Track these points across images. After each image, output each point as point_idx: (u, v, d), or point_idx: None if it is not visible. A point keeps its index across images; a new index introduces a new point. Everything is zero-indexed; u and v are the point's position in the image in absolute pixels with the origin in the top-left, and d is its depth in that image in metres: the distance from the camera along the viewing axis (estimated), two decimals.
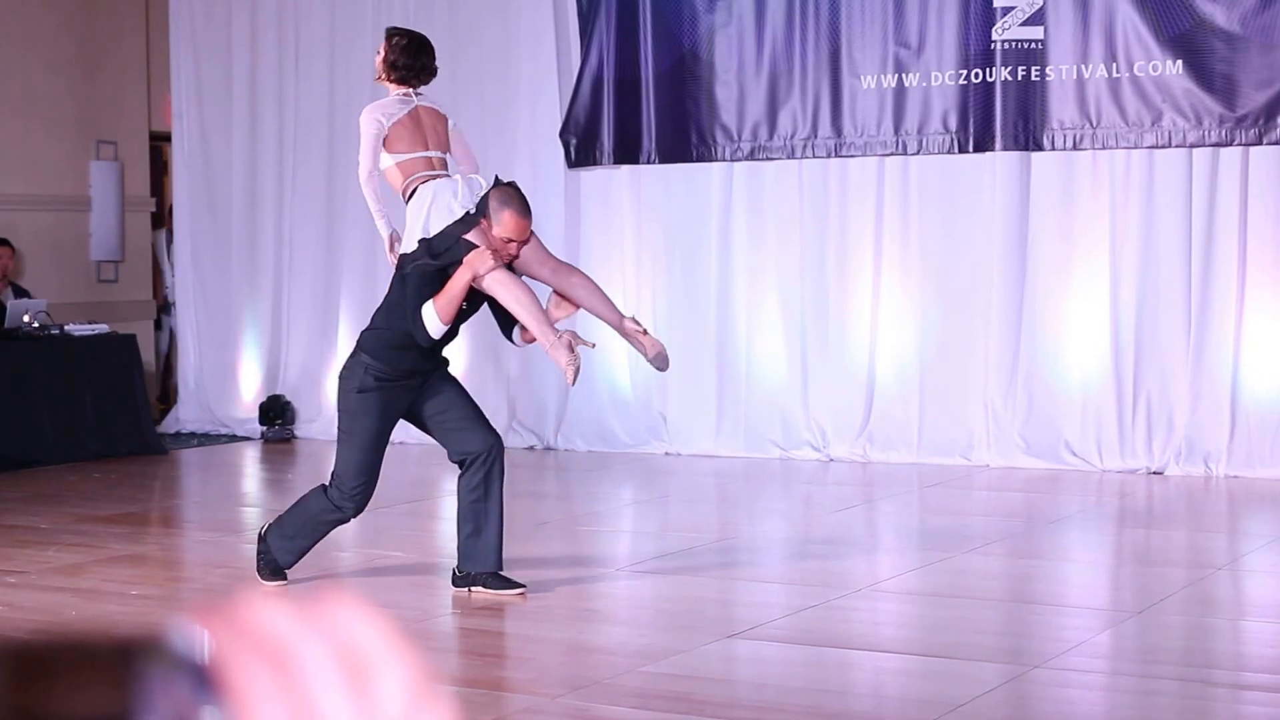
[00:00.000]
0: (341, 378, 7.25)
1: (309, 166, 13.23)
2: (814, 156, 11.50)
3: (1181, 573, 7.93)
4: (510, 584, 7.32)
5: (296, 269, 13.36)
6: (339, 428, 7.27)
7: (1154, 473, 10.75)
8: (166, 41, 13.78)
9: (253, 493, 11.84)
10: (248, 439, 13.30)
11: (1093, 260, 10.92)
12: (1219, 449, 10.62)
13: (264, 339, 13.53)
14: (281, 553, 7.41)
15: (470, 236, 6.99)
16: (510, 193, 7.09)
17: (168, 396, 14.34)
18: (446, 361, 7.35)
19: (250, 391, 13.54)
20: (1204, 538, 9.04)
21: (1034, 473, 10.86)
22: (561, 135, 11.91)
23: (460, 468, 7.30)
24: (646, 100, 11.80)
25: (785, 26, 11.48)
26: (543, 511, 9.98)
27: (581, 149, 11.93)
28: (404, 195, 7.29)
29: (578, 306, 7.30)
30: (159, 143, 14.50)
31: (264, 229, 13.48)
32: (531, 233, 7.17)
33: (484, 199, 7.07)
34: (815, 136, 11.46)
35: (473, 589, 7.32)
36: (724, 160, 11.71)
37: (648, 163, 11.88)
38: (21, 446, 11.56)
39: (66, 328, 12.19)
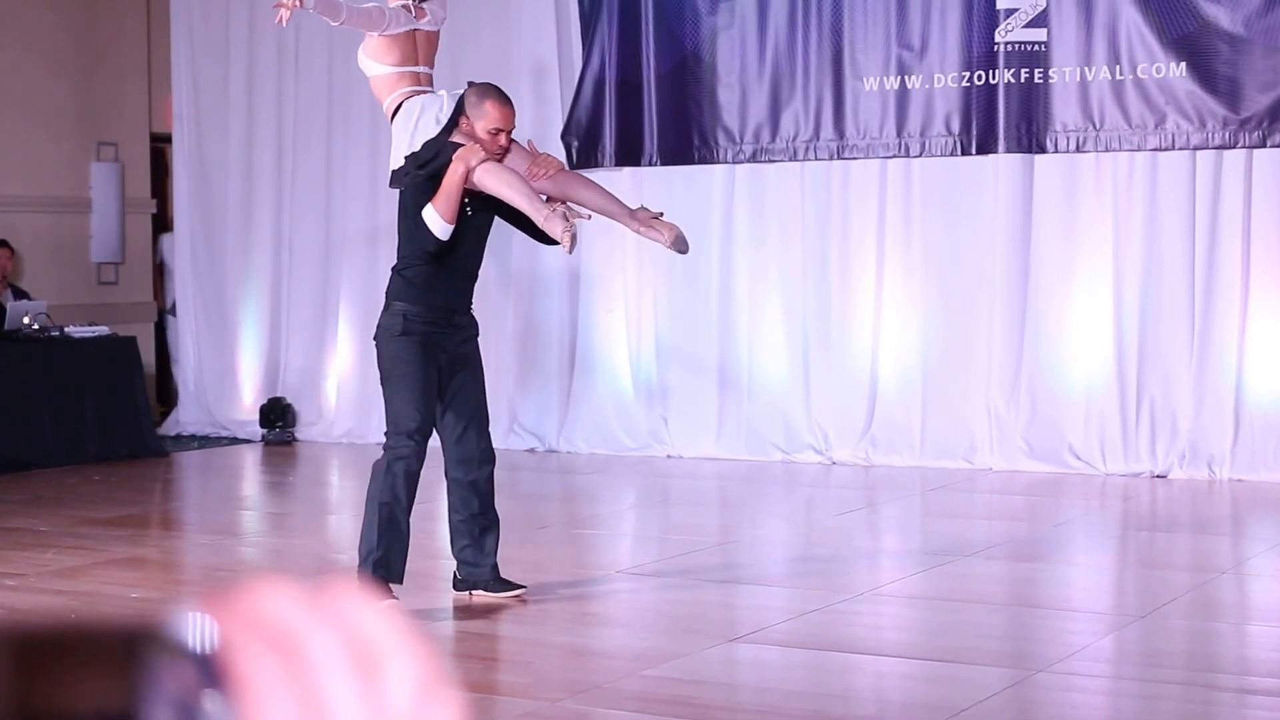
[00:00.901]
0: (378, 332, 7.07)
1: (309, 169, 13.22)
2: (816, 159, 11.48)
3: (1185, 577, 7.92)
4: (511, 585, 7.29)
5: (296, 271, 13.35)
6: (382, 377, 7.04)
7: (1158, 476, 10.73)
8: (168, 42, 13.77)
9: (253, 496, 11.82)
10: (248, 441, 13.27)
11: (1096, 263, 10.89)
12: (1223, 452, 10.59)
13: (264, 341, 13.51)
14: (385, 569, 6.96)
15: (454, 139, 6.95)
16: (487, 86, 7.12)
17: (168, 399, 14.30)
18: (477, 326, 7.24)
19: (250, 394, 13.52)
20: (1208, 541, 9.01)
21: (1037, 476, 10.84)
22: (563, 137, 11.88)
23: (448, 462, 7.19)
24: (648, 102, 11.78)
25: (788, 28, 11.46)
26: (544, 514, 9.95)
27: (583, 151, 11.90)
28: (389, 112, 7.20)
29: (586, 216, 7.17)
30: (160, 144, 14.46)
31: (263, 231, 13.46)
32: (526, 149, 7.14)
33: (460, 100, 7.03)
34: (818, 139, 11.43)
35: (473, 592, 7.29)
36: (726, 162, 11.69)
37: (649, 165, 11.85)
38: (21, 448, 11.53)
39: (67, 330, 12.17)
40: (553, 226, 6.79)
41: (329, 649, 0.70)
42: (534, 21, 12.23)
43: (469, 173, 6.84)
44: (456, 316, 7.09)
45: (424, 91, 7.19)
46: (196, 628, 0.69)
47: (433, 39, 7.31)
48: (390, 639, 0.72)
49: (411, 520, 7.02)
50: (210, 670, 0.68)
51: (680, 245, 7.21)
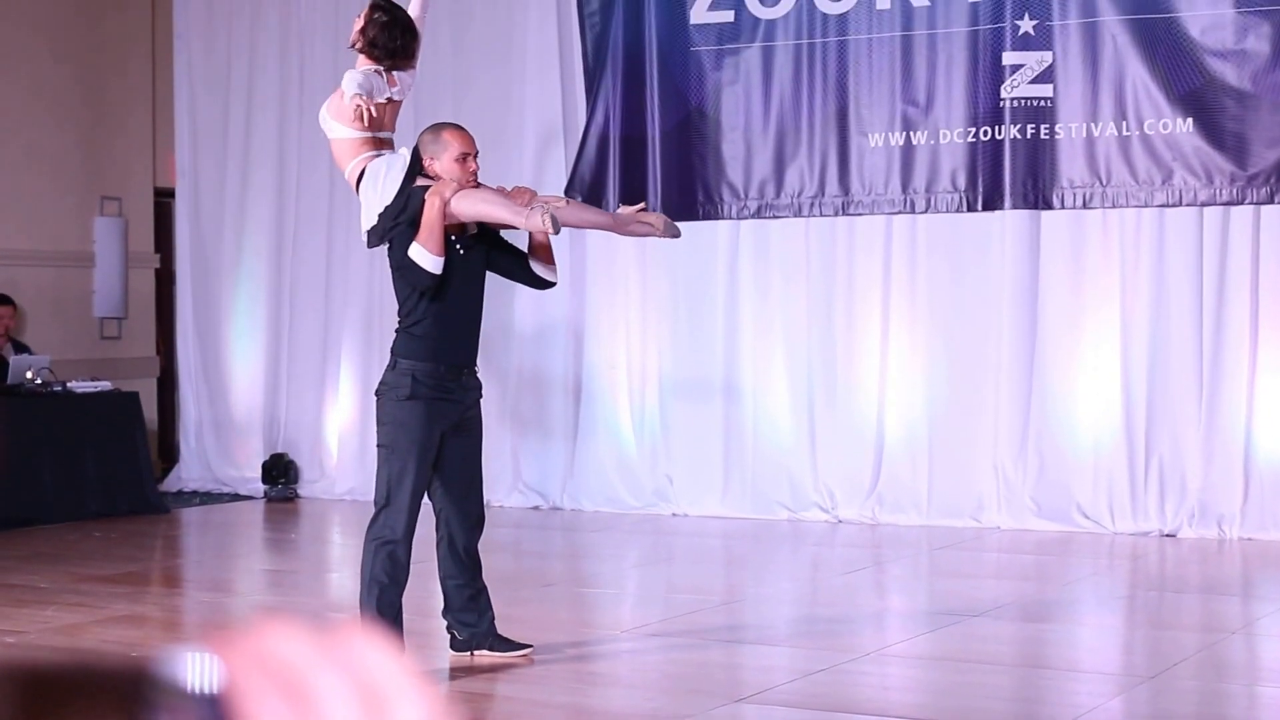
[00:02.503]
0: (383, 389, 6.96)
1: (309, 224, 13.21)
2: (821, 215, 11.45)
3: (1195, 637, 7.86)
4: (514, 645, 7.21)
5: (296, 325, 13.32)
6: (381, 440, 6.96)
7: (1166, 535, 10.66)
8: (172, 96, 13.78)
9: (255, 553, 11.75)
10: (250, 498, 13.22)
11: (1103, 320, 10.85)
12: (1232, 511, 10.53)
13: (266, 397, 13.47)
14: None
15: (420, 184, 6.90)
16: (436, 123, 7.15)
17: (170, 454, 14.25)
18: (481, 388, 7.18)
19: (253, 450, 13.47)
20: (1217, 602, 8.94)
21: (1045, 535, 10.77)
22: (566, 193, 11.84)
23: (442, 523, 7.12)
24: (653, 158, 11.77)
25: (792, 84, 11.45)
26: (547, 572, 9.91)
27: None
28: (351, 177, 7.13)
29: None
30: (164, 199, 14.45)
31: (263, 285, 13.44)
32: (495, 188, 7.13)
33: (414, 152, 6.99)
34: (822, 195, 11.42)
35: (475, 652, 7.22)
36: (730, 218, 11.67)
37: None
38: (22, 504, 11.48)
39: (69, 384, 12.12)
40: (534, 221, 6.75)
41: (336, 691, 0.70)
42: (538, 77, 12.24)
43: (445, 204, 6.80)
44: (464, 375, 7.02)
45: (383, 154, 7.13)
46: (200, 668, 0.69)
47: (396, 105, 7.26)
48: (397, 682, 0.72)
49: (409, 585, 6.96)
50: (215, 711, 0.69)
51: (671, 230, 7.21)
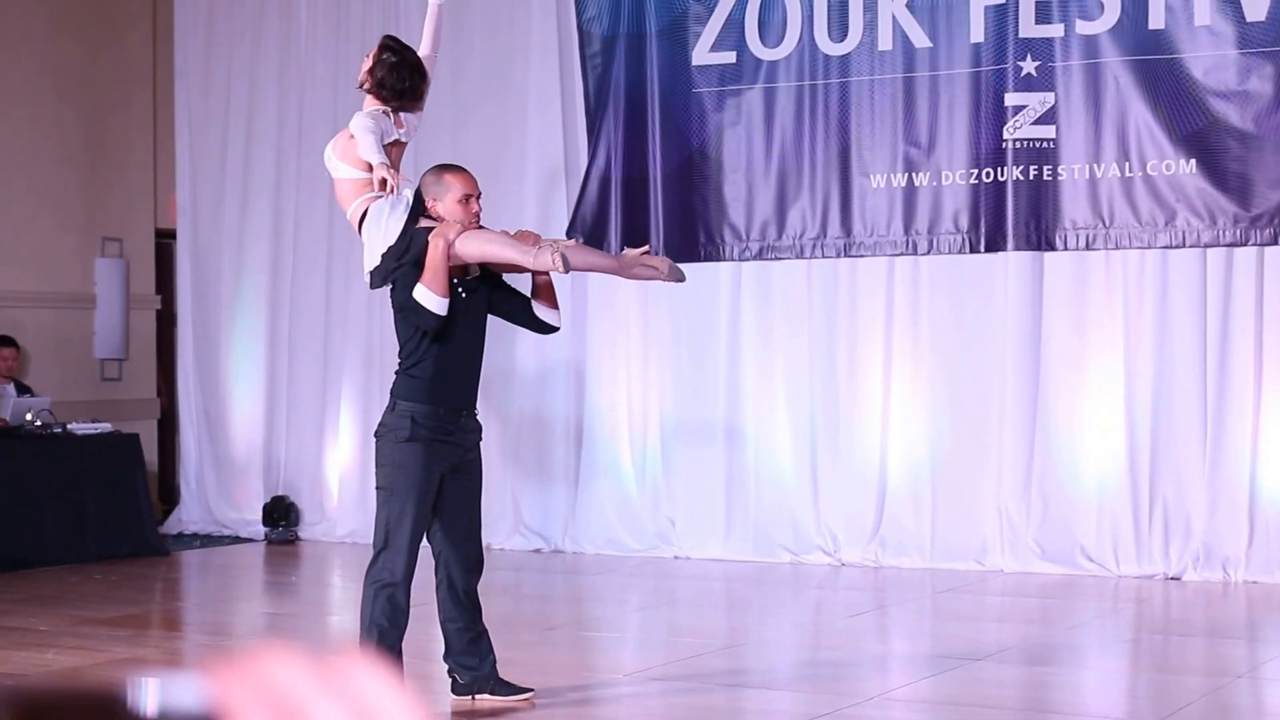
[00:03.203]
0: (382, 430, 6.92)
1: (309, 265, 13.19)
2: (823, 256, 11.44)
3: (1200, 681, 7.83)
4: (516, 688, 7.16)
5: (296, 368, 13.30)
6: (379, 482, 6.92)
7: (1171, 578, 10.61)
8: (173, 137, 13.79)
9: (255, 596, 11.70)
10: (251, 540, 13.18)
11: (1107, 361, 10.83)
12: (1237, 554, 10.48)
13: (266, 439, 13.44)
14: None
15: (423, 226, 6.87)
16: (438, 165, 7.12)
17: (171, 496, 14.21)
18: (481, 430, 7.14)
19: (253, 492, 13.44)
20: (1223, 645, 8.90)
21: (1049, 578, 10.72)
22: (568, 234, 11.84)
23: (441, 565, 7.08)
24: (654, 199, 11.76)
25: (794, 125, 11.45)
26: (549, 616, 9.86)
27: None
28: (354, 218, 7.10)
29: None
30: (165, 239, 14.44)
31: (262, 326, 13.42)
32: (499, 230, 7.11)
33: (417, 193, 6.97)
34: (825, 236, 11.40)
35: (476, 695, 7.17)
36: (732, 260, 11.65)
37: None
38: (22, 546, 11.44)
39: (69, 426, 12.10)
40: (543, 260, 6.72)
41: (331, 715, 0.70)
42: (539, 116, 12.23)
43: (449, 246, 6.77)
44: (464, 418, 6.98)
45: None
46: (188, 690, 0.70)
47: (402, 148, 7.25)
48: (396, 710, 0.72)
49: (409, 628, 6.92)
50: None
51: (676, 275, 7.17)
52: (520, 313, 7.16)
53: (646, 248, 7.38)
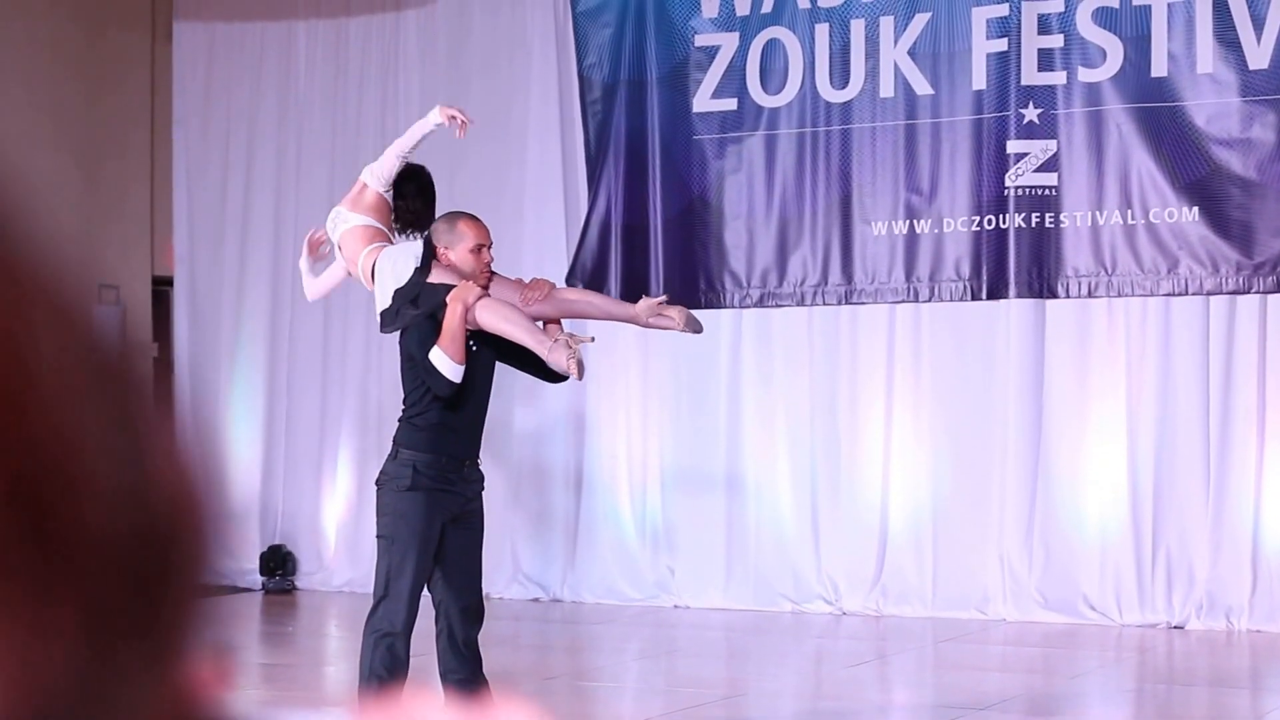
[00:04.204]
0: (383, 479, 6.84)
1: (307, 313, 13.13)
2: (824, 304, 11.41)
3: None
4: None
5: (294, 415, 13.25)
6: (379, 534, 6.82)
7: (1174, 627, 10.55)
8: (170, 183, 13.75)
9: (252, 646, 11.61)
10: (248, 590, 13.09)
11: (1109, 409, 10.79)
12: (1241, 603, 10.43)
13: (263, 488, 13.37)
14: None
15: (437, 278, 6.82)
16: (451, 212, 7.12)
17: None
18: (483, 480, 7.08)
19: (250, 541, 13.36)
20: (1226, 695, 8.87)
21: (1052, 628, 10.66)
22: (567, 280, 11.81)
23: (441, 616, 7.01)
24: (655, 246, 11.73)
25: (795, 172, 11.43)
26: (548, 665, 9.80)
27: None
28: (365, 269, 7.05)
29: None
30: (163, 287, 14.37)
31: (262, 375, 13.37)
32: (512, 280, 7.08)
33: (427, 240, 6.94)
34: (826, 283, 11.37)
35: None
36: (733, 307, 11.62)
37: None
38: None
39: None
40: (557, 358, 6.66)
41: None
42: (539, 163, 12.21)
43: (467, 311, 6.72)
44: (467, 468, 6.91)
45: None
46: None
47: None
48: None
49: (409, 678, 6.85)
50: None
51: (694, 326, 7.12)
52: (531, 363, 7.10)
53: (664, 297, 7.33)
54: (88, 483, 0.59)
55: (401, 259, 6.92)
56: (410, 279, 6.86)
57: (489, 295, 6.83)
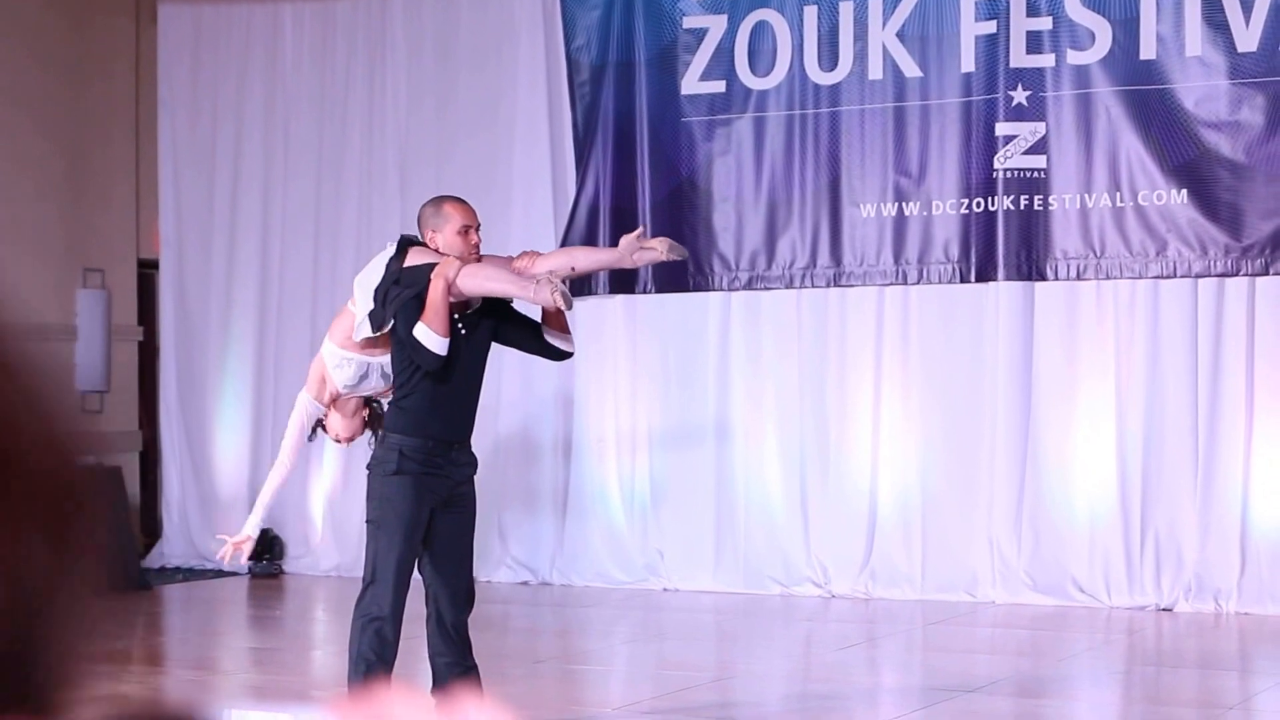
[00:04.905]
0: (372, 464, 6.85)
1: (294, 295, 13.12)
2: (813, 286, 11.39)
3: (1192, 713, 7.82)
4: None
5: (281, 400, 13.19)
6: (368, 518, 6.83)
7: (1163, 610, 10.56)
8: (156, 166, 13.70)
9: (239, 630, 11.60)
10: (235, 574, 13.06)
11: (1098, 392, 10.79)
12: (1229, 586, 10.44)
13: (251, 472, 13.33)
14: None
15: (420, 260, 6.80)
16: (436, 196, 7.15)
17: (153, 530, 14.09)
18: (476, 463, 7.05)
19: (237, 526, 13.27)
20: (1214, 677, 8.88)
21: (1041, 610, 10.67)
22: None
23: (432, 599, 6.99)
24: (643, 228, 11.68)
25: (784, 154, 11.42)
26: (537, 649, 9.80)
27: (576, 278, 11.77)
28: (350, 340, 7.04)
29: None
30: (148, 270, 14.32)
31: (248, 358, 13.34)
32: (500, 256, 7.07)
33: (400, 239, 6.94)
34: (814, 266, 11.36)
35: None
36: (722, 290, 11.60)
37: (644, 292, 11.77)
38: None
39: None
40: (542, 295, 6.65)
41: None
42: (526, 145, 12.19)
43: (450, 284, 6.69)
44: (455, 451, 6.88)
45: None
46: None
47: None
48: None
49: (397, 662, 6.84)
50: None
51: (676, 251, 7.07)
52: (530, 341, 7.08)
53: (640, 230, 7.30)
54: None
55: (374, 268, 6.92)
56: (387, 271, 6.84)
57: (469, 264, 6.81)
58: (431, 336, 6.67)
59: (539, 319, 7.05)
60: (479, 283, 6.76)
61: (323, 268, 12.87)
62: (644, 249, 7.05)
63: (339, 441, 7.19)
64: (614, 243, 11.64)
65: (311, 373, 7.14)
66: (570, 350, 7.15)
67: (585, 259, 7.37)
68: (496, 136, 12.30)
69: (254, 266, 13.32)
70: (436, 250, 6.87)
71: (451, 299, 6.72)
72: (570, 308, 6.74)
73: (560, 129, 12.12)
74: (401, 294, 6.75)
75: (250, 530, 7.29)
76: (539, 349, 7.08)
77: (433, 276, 6.70)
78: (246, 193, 13.34)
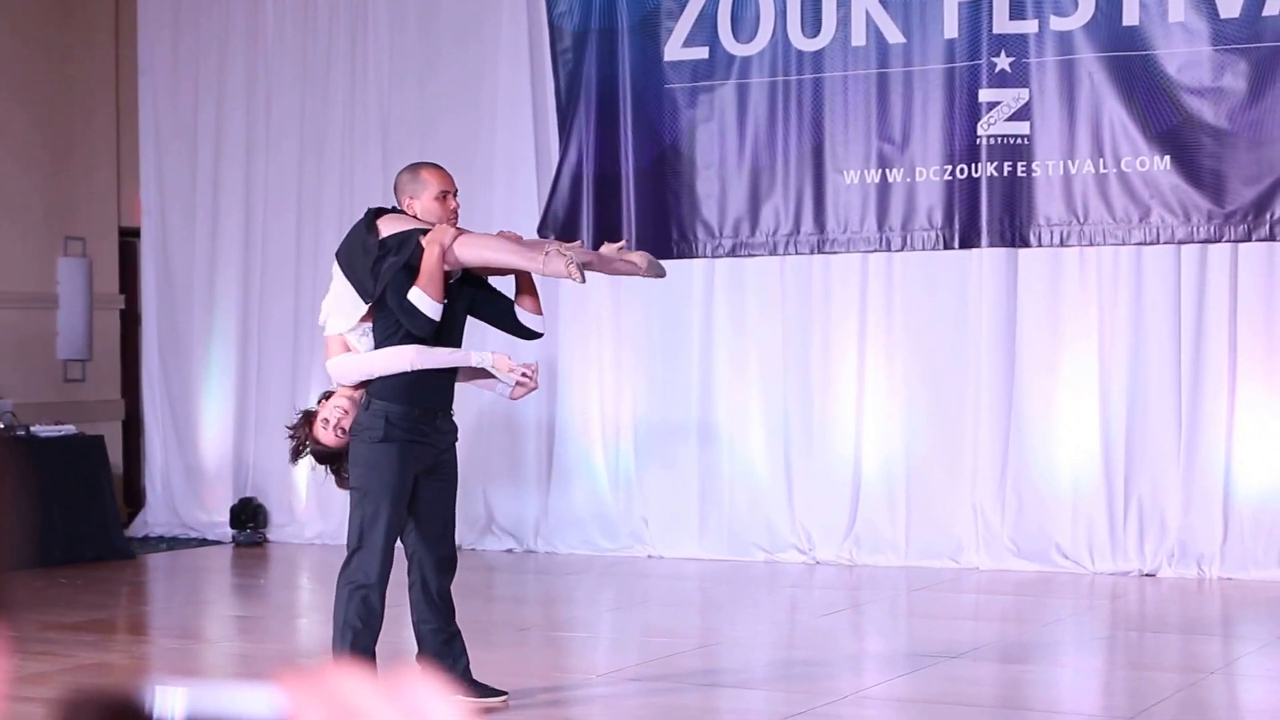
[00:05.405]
0: (355, 433, 6.81)
1: (277, 263, 13.09)
2: (797, 253, 11.38)
3: (1175, 677, 7.82)
4: (490, 691, 7.08)
5: (265, 368, 13.19)
6: (352, 485, 6.84)
7: (1146, 575, 10.59)
8: (136, 133, 13.65)
9: (223, 599, 11.60)
10: (218, 543, 13.06)
11: (1081, 358, 10.80)
12: (1212, 551, 10.46)
13: (234, 440, 13.32)
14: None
15: (400, 227, 6.77)
16: (414, 163, 7.17)
17: (136, 499, 14.07)
18: (457, 431, 7.05)
19: (221, 494, 13.31)
20: (1197, 642, 8.90)
21: (1024, 576, 10.69)
22: (539, 232, 11.77)
23: (415, 567, 6.99)
24: (627, 196, 11.69)
25: (767, 121, 11.39)
26: (522, 617, 9.80)
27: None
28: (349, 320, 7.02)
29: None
30: (129, 238, 14.28)
31: (231, 327, 13.30)
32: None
33: (395, 197, 6.94)
34: (798, 232, 11.35)
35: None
36: (705, 257, 11.59)
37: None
38: None
39: (33, 429, 11.97)
40: (555, 267, 6.61)
41: None
42: (509, 113, 12.15)
43: (445, 251, 6.67)
44: (439, 418, 6.89)
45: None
46: (268, 701, 0.72)
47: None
48: None
49: (382, 629, 6.84)
50: None
51: (655, 270, 7.07)
52: (503, 318, 7.06)
53: (623, 243, 7.30)
54: None
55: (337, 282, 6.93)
56: (361, 242, 6.81)
57: (465, 232, 6.79)
58: (427, 301, 6.65)
59: (514, 296, 7.03)
60: (478, 252, 6.74)
61: (305, 240, 12.84)
62: (624, 260, 7.04)
63: (328, 433, 7.02)
64: (598, 212, 11.74)
65: (332, 347, 7.05)
66: (540, 331, 7.13)
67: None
68: (479, 109, 12.26)
69: (237, 236, 13.28)
70: (415, 217, 6.86)
71: (446, 266, 6.70)
72: (584, 280, 6.73)
73: (543, 101, 12.08)
74: (392, 264, 6.73)
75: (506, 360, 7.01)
76: (509, 327, 7.06)
77: (426, 242, 6.68)
78: (228, 164, 13.28)
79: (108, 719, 0.75)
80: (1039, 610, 9.70)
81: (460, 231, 6.75)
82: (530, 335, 7.13)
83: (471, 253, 6.73)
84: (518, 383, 6.91)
